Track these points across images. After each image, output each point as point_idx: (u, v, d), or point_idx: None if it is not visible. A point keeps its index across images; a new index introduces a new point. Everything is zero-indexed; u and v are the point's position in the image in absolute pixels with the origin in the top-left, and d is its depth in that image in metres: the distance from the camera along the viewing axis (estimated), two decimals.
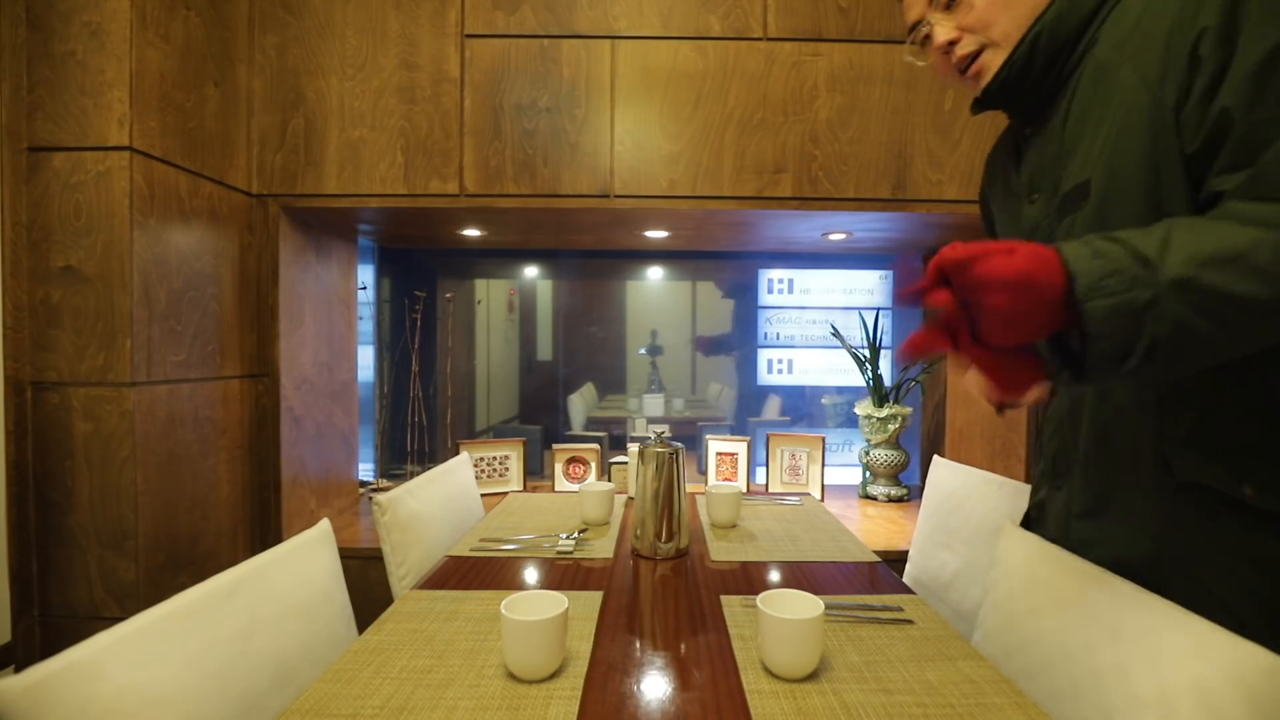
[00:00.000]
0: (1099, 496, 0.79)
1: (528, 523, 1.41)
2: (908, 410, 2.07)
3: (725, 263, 2.46)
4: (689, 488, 1.41)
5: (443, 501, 1.38)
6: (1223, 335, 0.58)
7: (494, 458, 2.12)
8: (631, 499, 1.62)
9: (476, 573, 1.10)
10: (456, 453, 1.99)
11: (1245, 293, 0.56)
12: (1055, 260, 0.59)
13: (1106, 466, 0.78)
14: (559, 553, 1.20)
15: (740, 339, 2.46)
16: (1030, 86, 0.79)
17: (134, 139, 1.28)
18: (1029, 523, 0.95)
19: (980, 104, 0.86)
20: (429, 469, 1.50)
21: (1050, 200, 0.79)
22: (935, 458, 1.46)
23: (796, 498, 1.66)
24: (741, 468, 2.09)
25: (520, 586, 1.05)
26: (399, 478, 2.29)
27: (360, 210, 1.71)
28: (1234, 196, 0.61)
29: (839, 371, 2.42)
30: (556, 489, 2.10)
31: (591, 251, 2.43)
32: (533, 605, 0.77)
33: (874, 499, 2.09)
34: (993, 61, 0.81)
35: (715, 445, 2.14)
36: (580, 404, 2.51)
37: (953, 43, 0.81)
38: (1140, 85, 0.68)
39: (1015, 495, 1.18)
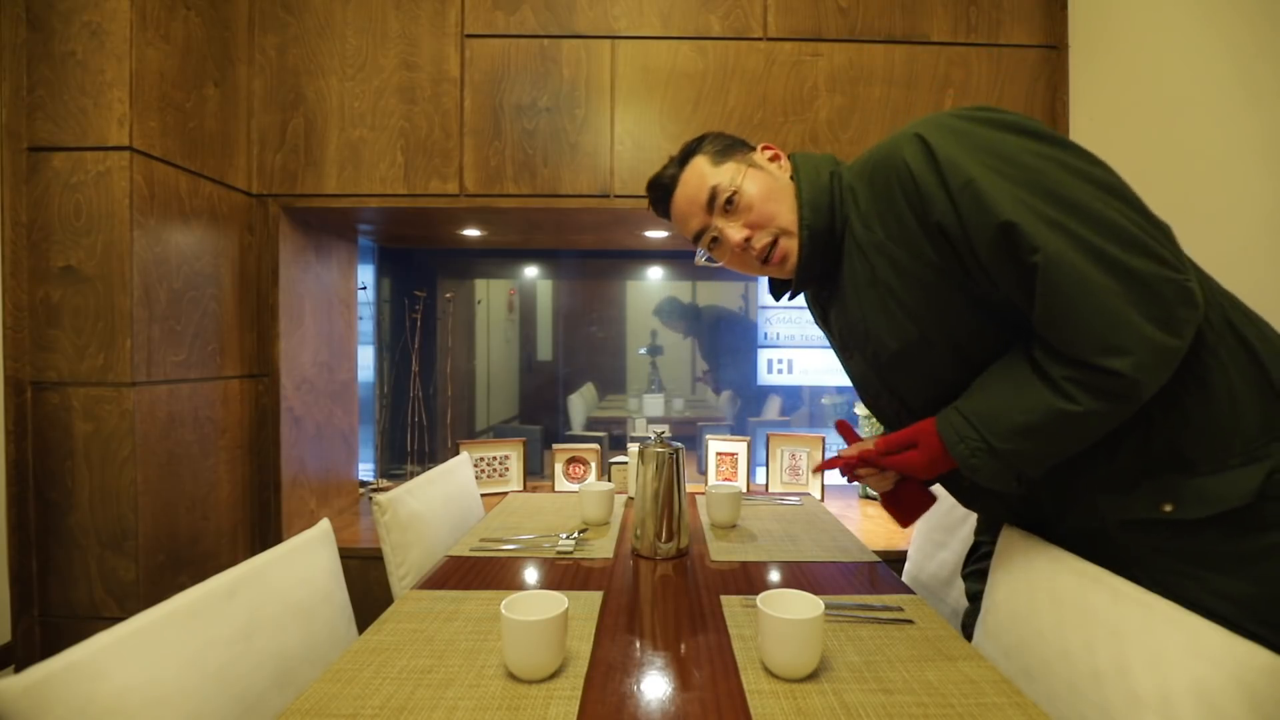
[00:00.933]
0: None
1: (528, 523, 1.41)
2: None
3: None
4: (689, 488, 1.41)
5: (443, 501, 1.38)
6: (1067, 451, 0.75)
7: (494, 458, 2.12)
8: (631, 499, 1.62)
9: (476, 573, 1.10)
10: (456, 453, 1.99)
11: (1057, 449, 0.75)
12: (938, 445, 0.81)
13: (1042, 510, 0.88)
14: (559, 553, 1.20)
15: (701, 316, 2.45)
16: (817, 269, 0.90)
17: (134, 139, 1.28)
18: (978, 557, 1.05)
19: (792, 290, 0.95)
20: (429, 469, 1.50)
21: (865, 355, 0.90)
22: None
23: (796, 498, 1.66)
24: (741, 468, 2.09)
25: (520, 586, 1.05)
26: (399, 478, 2.29)
27: (360, 210, 1.71)
28: (1038, 346, 0.74)
29: (839, 371, 2.42)
30: (556, 489, 2.10)
31: (591, 251, 2.43)
32: (533, 605, 0.77)
33: (874, 499, 2.09)
34: (790, 247, 0.90)
35: (715, 445, 2.14)
36: (580, 404, 2.51)
37: (747, 239, 0.90)
38: (914, 263, 0.78)
39: None
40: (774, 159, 0.95)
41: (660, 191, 0.99)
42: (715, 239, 0.94)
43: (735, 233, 0.90)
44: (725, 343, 2.47)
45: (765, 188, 0.90)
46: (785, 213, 0.89)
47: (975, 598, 1.01)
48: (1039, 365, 0.73)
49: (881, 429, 2.06)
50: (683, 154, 0.98)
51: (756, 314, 2.43)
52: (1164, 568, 0.74)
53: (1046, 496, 0.85)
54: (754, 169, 0.92)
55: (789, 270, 0.91)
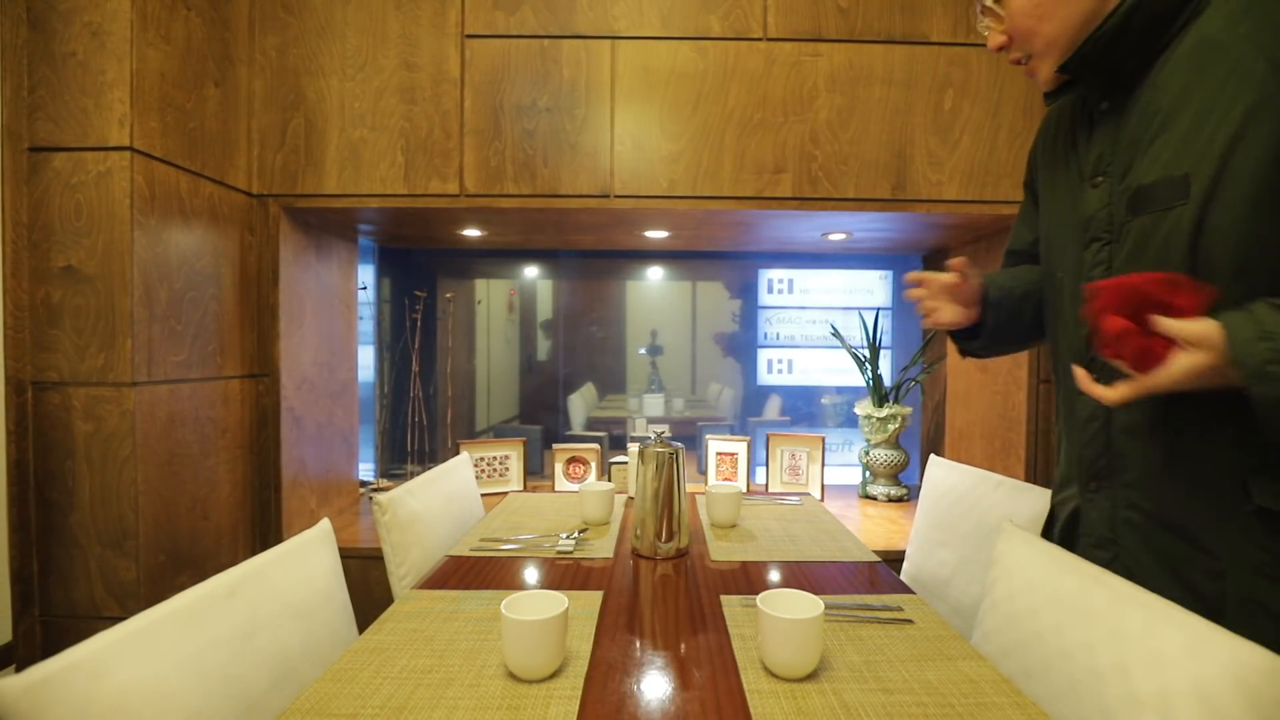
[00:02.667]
0: (1162, 511, 0.75)
1: (528, 523, 1.41)
2: (907, 410, 2.07)
3: (725, 263, 2.46)
4: (689, 488, 1.41)
5: (443, 501, 1.38)
6: None
7: (494, 458, 2.12)
8: (631, 499, 1.62)
9: (477, 572, 1.10)
10: (457, 453, 1.99)
11: None
12: (1222, 344, 0.59)
13: (1173, 484, 0.74)
14: (559, 553, 1.21)
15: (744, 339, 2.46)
16: (1116, 59, 0.73)
17: (134, 139, 1.28)
18: (1053, 521, 0.92)
19: (1052, 95, 0.83)
20: (429, 469, 1.50)
21: (1116, 187, 0.73)
22: (932, 457, 1.47)
23: (796, 498, 1.66)
24: (741, 468, 2.09)
25: (520, 586, 1.05)
26: (399, 478, 2.29)
27: (360, 210, 1.71)
28: None
29: (839, 371, 2.42)
30: (556, 489, 2.10)
31: (591, 251, 2.43)
32: (533, 605, 0.77)
33: (874, 499, 2.09)
34: (1041, 68, 0.79)
35: (715, 445, 2.14)
36: (580, 404, 2.51)
37: (1002, 48, 0.81)
38: (1271, 72, 0.61)
39: (1012, 493, 1.19)
40: None
41: None
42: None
43: (994, 39, 0.82)
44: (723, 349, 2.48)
45: None
46: (1050, 31, 0.75)
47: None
48: None
49: (884, 432, 2.06)
50: None
51: (756, 314, 2.43)
52: (1267, 573, 0.67)
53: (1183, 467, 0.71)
54: None
55: (1042, 85, 0.81)
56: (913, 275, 0.97)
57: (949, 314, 0.96)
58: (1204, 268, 0.66)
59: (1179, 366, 0.61)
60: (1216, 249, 0.66)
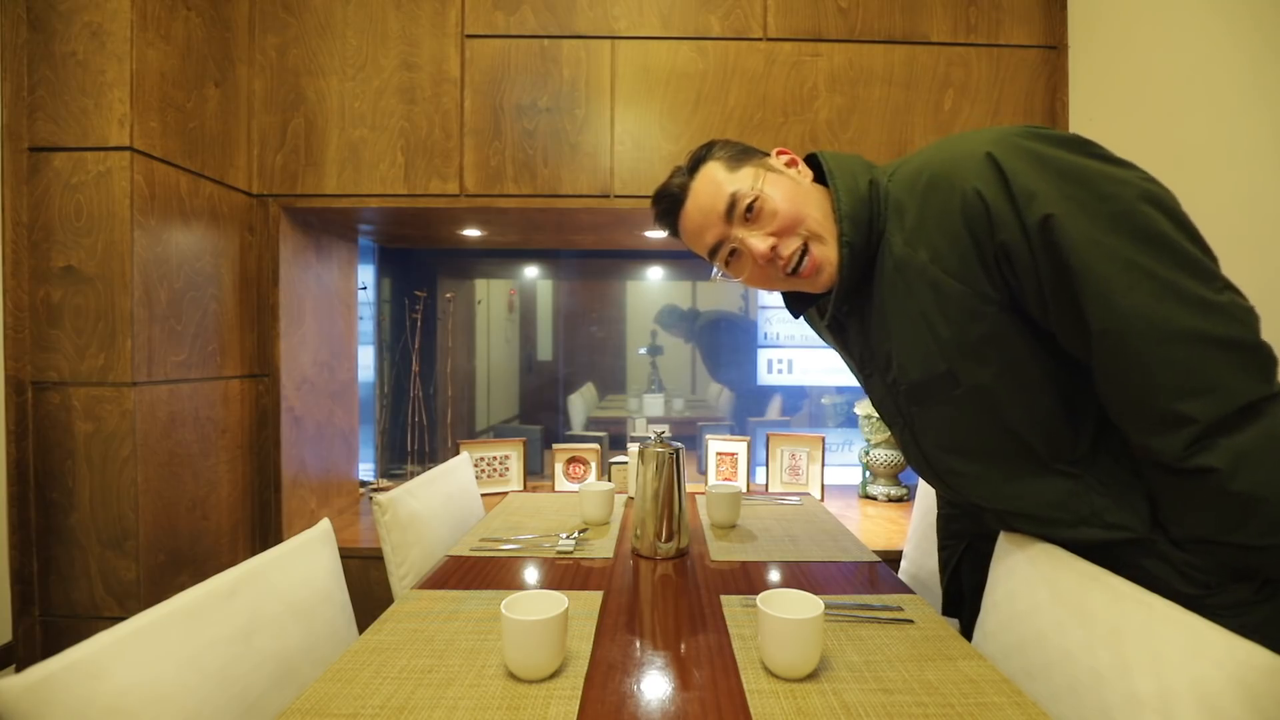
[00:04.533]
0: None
1: (528, 522, 1.41)
2: None
3: None
4: (689, 488, 1.41)
5: (443, 501, 1.38)
6: None
7: (494, 457, 2.12)
8: (631, 499, 1.62)
9: (477, 572, 1.10)
10: (457, 452, 1.99)
11: None
12: None
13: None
14: (559, 553, 1.20)
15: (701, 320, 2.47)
16: (847, 277, 0.82)
17: (134, 139, 1.28)
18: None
19: (832, 306, 0.87)
20: (429, 469, 1.50)
21: (885, 380, 0.85)
22: None
23: (796, 498, 1.66)
24: (741, 468, 2.09)
25: (520, 586, 1.05)
26: (399, 478, 2.29)
27: (360, 210, 1.71)
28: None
29: (839, 371, 2.42)
30: (556, 489, 2.10)
31: (591, 251, 2.43)
32: (533, 605, 0.77)
33: (874, 499, 2.09)
34: (824, 255, 0.83)
35: (715, 445, 2.14)
36: (580, 404, 2.51)
37: (773, 249, 0.83)
38: (961, 288, 0.73)
39: None
40: (791, 164, 0.88)
41: (668, 202, 0.90)
42: (734, 251, 0.86)
43: (759, 242, 0.82)
44: (726, 345, 2.47)
45: (789, 191, 0.83)
46: (814, 216, 0.82)
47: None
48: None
49: (884, 432, 2.06)
50: (692, 161, 0.90)
51: (757, 314, 2.43)
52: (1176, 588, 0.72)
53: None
54: (773, 173, 0.85)
55: (822, 283, 0.84)
56: None
57: None
58: (1010, 434, 0.78)
59: None
60: (916, 410, 0.83)
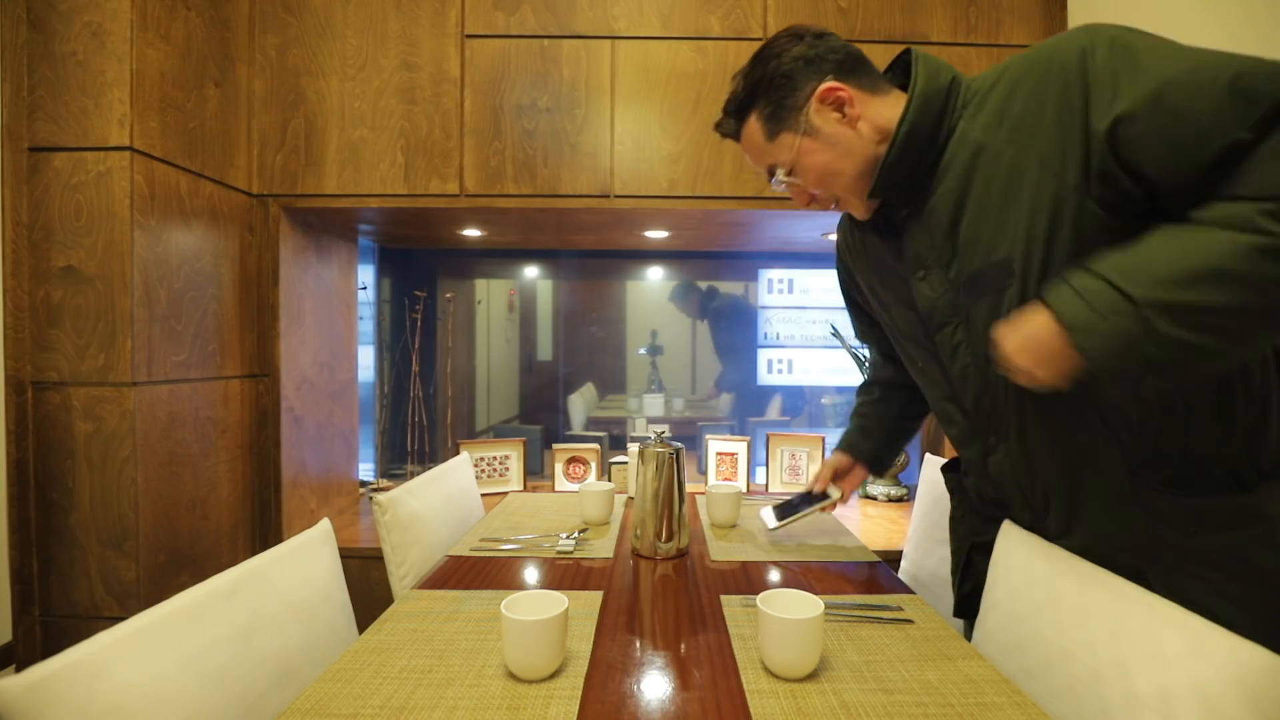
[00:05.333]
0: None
1: (528, 522, 1.41)
2: None
3: (725, 263, 2.46)
4: (689, 488, 1.41)
5: (443, 501, 1.38)
6: (1224, 344, 0.62)
7: (494, 457, 2.12)
8: (631, 499, 1.62)
9: (477, 572, 1.10)
10: (456, 452, 1.99)
11: (1227, 303, 0.59)
12: (1045, 314, 0.67)
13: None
14: (559, 552, 1.20)
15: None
16: (907, 175, 0.82)
17: (134, 139, 1.28)
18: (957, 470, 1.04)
19: (875, 191, 0.88)
20: (429, 469, 1.50)
21: (945, 275, 0.82)
22: (928, 456, 1.47)
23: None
24: (741, 468, 2.09)
25: (520, 586, 1.05)
26: (399, 478, 2.29)
27: (360, 210, 1.71)
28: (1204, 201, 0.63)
29: (839, 371, 2.42)
30: (556, 489, 2.10)
31: (591, 251, 2.43)
32: (533, 605, 0.77)
33: (874, 499, 2.09)
34: (854, 205, 0.90)
35: (715, 445, 2.14)
36: (580, 404, 2.51)
37: (810, 199, 0.92)
38: (1042, 172, 0.71)
39: None
40: (837, 104, 0.83)
41: (723, 132, 0.96)
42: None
43: (799, 195, 0.92)
44: (738, 329, 2.46)
45: (824, 161, 0.85)
46: (848, 178, 0.86)
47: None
48: (1210, 217, 0.61)
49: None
50: (737, 107, 0.90)
51: (757, 313, 2.43)
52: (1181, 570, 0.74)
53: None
54: (809, 138, 0.85)
55: (863, 215, 0.92)
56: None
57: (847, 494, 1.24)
58: None
59: (1019, 332, 0.69)
60: (973, 301, 0.80)
